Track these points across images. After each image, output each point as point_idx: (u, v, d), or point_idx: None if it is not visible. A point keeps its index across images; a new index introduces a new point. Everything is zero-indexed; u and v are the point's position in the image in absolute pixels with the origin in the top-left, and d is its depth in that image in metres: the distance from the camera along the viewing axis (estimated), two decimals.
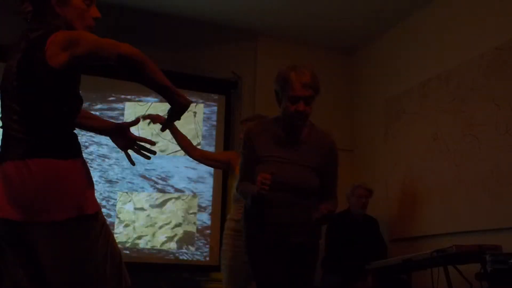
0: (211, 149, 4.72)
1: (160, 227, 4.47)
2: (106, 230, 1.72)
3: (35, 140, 1.63)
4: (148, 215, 4.47)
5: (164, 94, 1.70)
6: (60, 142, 1.66)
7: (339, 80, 5.19)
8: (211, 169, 4.66)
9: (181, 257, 4.50)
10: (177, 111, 1.75)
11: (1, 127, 1.73)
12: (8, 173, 1.62)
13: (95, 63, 1.69)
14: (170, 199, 4.55)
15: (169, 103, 1.74)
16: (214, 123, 4.82)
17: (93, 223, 1.67)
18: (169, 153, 4.55)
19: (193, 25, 4.69)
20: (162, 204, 4.52)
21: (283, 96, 2.45)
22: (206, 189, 4.66)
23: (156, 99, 4.59)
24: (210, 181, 4.67)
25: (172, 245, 4.49)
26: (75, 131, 1.76)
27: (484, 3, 3.82)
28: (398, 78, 4.57)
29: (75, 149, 1.72)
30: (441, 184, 3.89)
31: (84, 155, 1.79)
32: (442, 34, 4.16)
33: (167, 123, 1.82)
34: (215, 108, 4.87)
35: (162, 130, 1.85)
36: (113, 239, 1.75)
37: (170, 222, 4.51)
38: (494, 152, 3.51)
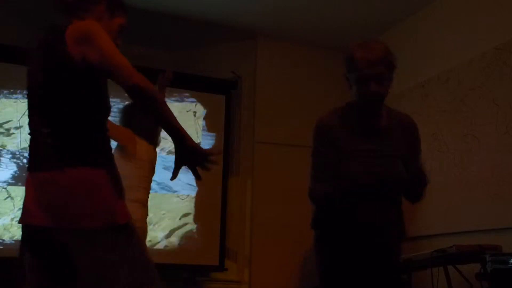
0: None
1: (160, 227, 4.47)
2: (137, 239, 1.72)
3: (65, 147, 1.63)
4: (148, 215, 4.46)
5: (172, 134, 1.65)
6: (91, 149, 1.66)
7: (339, 80, 5.18)
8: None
9: (181, 257, 4.49)
10: (184, 155, 1.67)
11: (30, 134, 1.73)
12: (40, 180, 1.63)
13: (104, 75, 1.66)
14: (170, 199, 4.55)
15: (175, 146, 1.68)
16: (214, 123, 4.82)
17: (124, 232, 1.67)
18: (169, 153, 4.55)
19: (193, 25, 4.69)
20: (162, 204, 4.52)
21: (352, 78, 2.13)
22: (206, 189, 4.66)
23: None
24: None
25: (172, 246, 4.49)
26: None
27: (484, 3, 3.81)
28: (398, 78, 4.54)
29: (107, 157, 1.71)
30: (441, 184, 3.89)
31: None
32: (442, 34, 4.16)
33: (175, 169, 1.71)
34: (215, 108, 4.87)
35: (171, 179, 1.75)
36: (145, 248, 1.75)
37: (170, 222, 4.51)
38: (494, 152, 3.51)
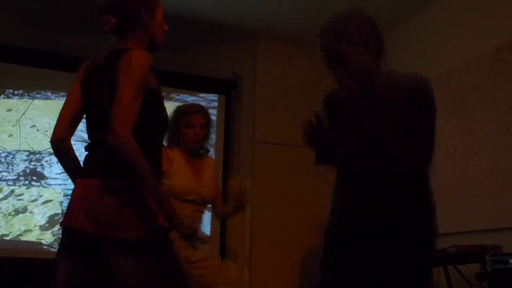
0: (210, 149, 4.72)
1: None
2: (174, 254, 1.74)
3: (115, 157, 1.65)
4: None
5: (153, 197, 1.67)
6: None
7: None
8: None
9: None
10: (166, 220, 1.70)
11: (86, 146, 1.78)
12: (85, 186, 1.69)
13: None
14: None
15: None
16: (214, 123, 4.82)
17: (161, 245, 1.70)
18: None
19: (193, 25, 4.69)
20: None
21: None
22: None
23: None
24: None
25: None
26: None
27: (484, 3, 3.81)
28: None
29: (156, 173, 1.75)
30: (441, 184, 3.88)
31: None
32: (442, 34, 4.16)
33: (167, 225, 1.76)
34: (215, 108, 4.87)
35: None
36: (181, 261, 1.79)
37: None
38: (494, 152, 3.51)
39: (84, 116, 1.84)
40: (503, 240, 3.17)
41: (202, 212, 2.96)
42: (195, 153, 3.01)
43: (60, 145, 1.84)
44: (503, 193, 3.40)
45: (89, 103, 1.80)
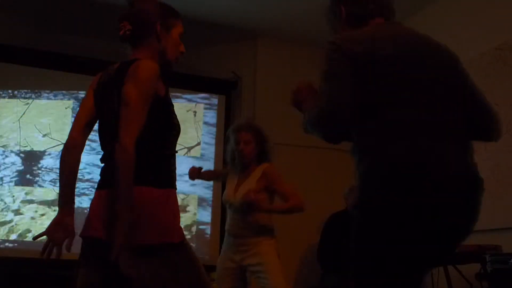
0: (211, 149, 4.73)
1: None
2: (192, 259, 1.76)
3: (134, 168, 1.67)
4: None
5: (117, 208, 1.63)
6: (153, 170, 1.71)
7: None
8: (211, 168, 4.66)
9: None
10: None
11: (102, 159, 1.81)
12: (103, 198, 1.72)
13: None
14: None
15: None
16: (214, 123, 4.82)
17: (179, 251, 1.72)
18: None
19: (193, 25, 4.69)
20: None
21: None
22: (206, 188, 4.66)
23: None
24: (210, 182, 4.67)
25: None
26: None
27: (484, 3, 3.82)
28: None
29: (169, 180, 1.78)
30: None
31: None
32: (442, 34, 4.14)
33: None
34: (215, 108, 4.87)
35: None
36: (200, 267, 1.77)
37: None
38: (494, 152, 3.51)
39: (98, 127, 1.87)
40: (503, 240, 3.18)
41: (243, 220, 3.02)
42: (246, 166, 3.14)
43: (72, 149, 1.86)
44: (503, 193, 3.40)
45: (101, 114, 1.83)
